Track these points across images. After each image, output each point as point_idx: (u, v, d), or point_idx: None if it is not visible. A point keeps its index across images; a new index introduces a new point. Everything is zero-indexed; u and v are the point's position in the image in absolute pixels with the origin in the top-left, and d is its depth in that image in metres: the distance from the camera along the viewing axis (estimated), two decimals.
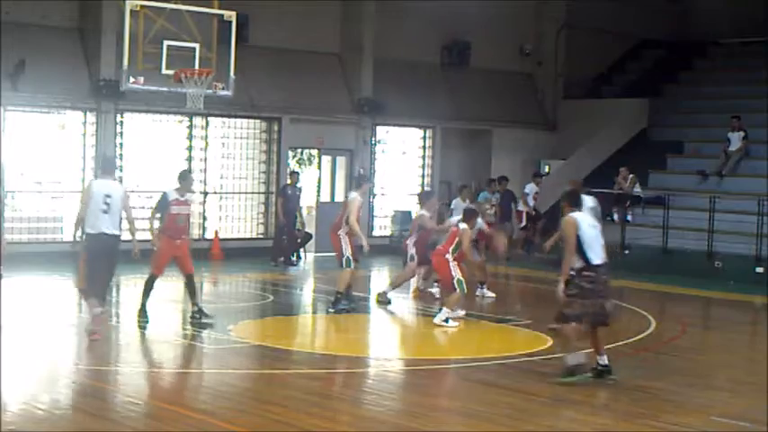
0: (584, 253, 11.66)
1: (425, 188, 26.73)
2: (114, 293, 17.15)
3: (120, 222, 14.12)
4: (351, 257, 16.61)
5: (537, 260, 24.98)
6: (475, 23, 28.21)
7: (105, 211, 13.79)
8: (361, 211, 17.35)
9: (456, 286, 15.68)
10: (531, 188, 26.46)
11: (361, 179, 18.33)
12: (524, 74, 30.31)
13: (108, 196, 13.83)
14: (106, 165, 14.81)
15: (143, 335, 14.94)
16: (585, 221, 11.89)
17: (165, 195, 15.48)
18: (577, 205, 12.14)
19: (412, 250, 18.04)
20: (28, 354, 13.47)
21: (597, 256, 11.71)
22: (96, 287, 13.96)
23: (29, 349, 13.82)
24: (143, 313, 15.40)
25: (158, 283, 15.62)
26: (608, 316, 11.93)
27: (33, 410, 10.38)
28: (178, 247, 15.42)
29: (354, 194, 16.91)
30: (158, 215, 15.51)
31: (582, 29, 29.78)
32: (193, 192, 16.28)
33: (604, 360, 11.97)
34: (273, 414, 10.25)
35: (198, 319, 15.39)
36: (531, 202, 26.32)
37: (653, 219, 24.80)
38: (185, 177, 15.84)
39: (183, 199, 15.43)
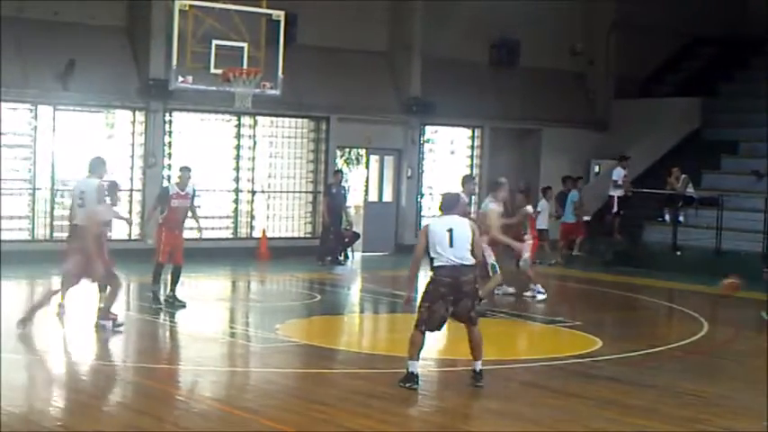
0: (429, 255, 11.22)
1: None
2: (163, 291, 17.21)
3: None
4: (495, 264, 16.42)
5: (588, 261, 24.87)
6: (524, 22, 28.00)
7: (81, 206, 14.87)
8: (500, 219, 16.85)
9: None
10: (618, 173, 25.98)
11: (497, 185, 17.13)
12: (575, 73, 30.05)
13: (82, 192, 14.91)
14: (91, 164, 15.26)
15: (190, 333, 14.97)
16: (441, 224, 11.27)
17: (166, 189, 16.81)
18: (448, 210, 11.47)
19: (491, 258, 16.47)
20: (76, 351, 13.54)
21: (442, 257, 11.11)
22: (74, 276, 14.84)
23: (77, 347, 13.90)
24: (156, 299, 16.48)
25: (204, 283, 15.76)
26: (441, 323, 11.26)
27: (81, 407, 10.41)
28: (176, 238, 16.40)
29: (491, 205, 16.60)
30: (159, 208, 16.54)
31: (634, 27, 29.43)
32: (191, 186, 16.86)
33: (415, 367, 11.17)
34: (320, 413, 10.19)
35: (171, 303, 16.35)
36: (619, 189, 25.97)
37: (706, 219, 24.48)
38: (183, 172, 16.69)
39: (183, 193, 16.40)
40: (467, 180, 18.27)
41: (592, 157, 29.14)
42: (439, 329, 11.43)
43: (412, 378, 11.16)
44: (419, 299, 11.38)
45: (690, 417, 10.55)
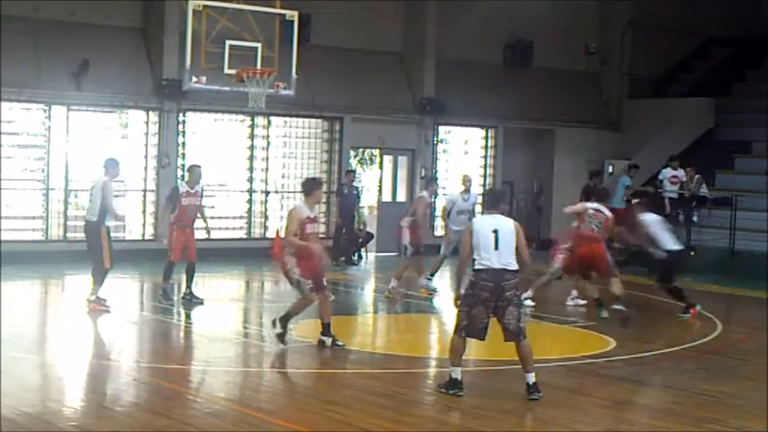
0: (473, 257, 10.91)
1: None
2: (177, 291, 17.32)
3: (100, 210, 15.62)
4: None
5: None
6: (538, 22, 27.96)
7: (91, 201, 15.83)
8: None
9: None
10: (664, 173, 25.41)
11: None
12: (588, 73, 30.01)
13: (93, 188, 15.83)
14: (105, 164, 16.06)
15: (203, 333, 14.99)
16: (486, 224, 10.95)
17: (175, 188, 16.98)
18: (492, 207, 11.24)
19: (406, 240, 18.38)
20: (90, 351, 13.57)
21: (484, 260, 10.80)
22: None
23: (91, 347, 13.94)
24: (166, 296, 16.72)
25: (218, 284, 15.79)
26: (484, 330, 10.89)
27: (95, 407, 10.44)
28: (188, 236, 16.67)
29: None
30: (170, 207, 16.68)
31: (648, 27, 29.35)
32: (201, 184, 17.16)
33: (458, 374, 11.00)
34: (334, 413, 10.21)
35: (188, 301, 16.65)
36: (669, 187, 25.27)
37: (719, 220, 24.43)
38: (192, 171, 17.03)
39: (192, 191, 16.66)
40: (429, 182, 19.42)
41: (605, 157, 29.07)
42: (482, 338, 11.01)
43: (456, 384, 10.95)
44: (459, 303, 11.10)
45: (704, 417, 10.54)
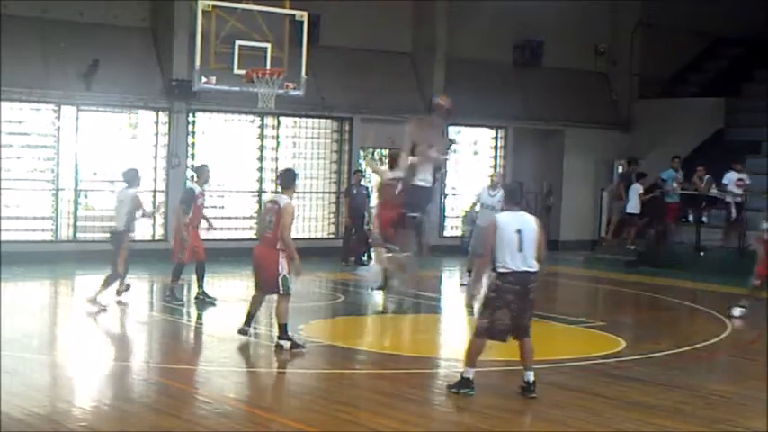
0: (494, 258, 10.71)
1: None
2: (186, 291, 17.34)
3: (126, 220, 16.11)
4: None
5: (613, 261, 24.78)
6: (548, 22, 27.95)
7: (116, 212, 16.27)
8: None
9: None
10: (729, 177, 24.74)
11: None
12: (598, 73, 29.98)
13: (120, 201, 16.21)
14: (126, 176, 16.51)
15: (212, 333, 15.00)
16: (509, 222, 10.76)
17: (190, 189, 16.89)
18: (514, 203, 10.99)
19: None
20: (99, 351, 13.59)
21: (509, 263, 10.63)
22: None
23: (100, 347, 13.95)
24: (174, 296, 16.74)
25: (228, 284, 15.79)
26: (506, 332, 10.81)
27: (105, 408, 10.45)
28: (198, 236, 16.80)
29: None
30: (184, 208, 16.65)
31: (658, 27, 29.33)
32: (209, 184, 17.72)
33: (470, 374, 10.91)
34: (343, 413, 10.20)
35: (201, 300, 16.70)
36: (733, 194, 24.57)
37: None
38: (202, 170, 17.15)
39: (202, 191, 16.88)
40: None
41: (615, 157, 29.03)
42: (504, 340, 10.93)
43: (468, 384, 10.90)
44: (480, 305, 11.06)
45: (715, 417, 10.52)
